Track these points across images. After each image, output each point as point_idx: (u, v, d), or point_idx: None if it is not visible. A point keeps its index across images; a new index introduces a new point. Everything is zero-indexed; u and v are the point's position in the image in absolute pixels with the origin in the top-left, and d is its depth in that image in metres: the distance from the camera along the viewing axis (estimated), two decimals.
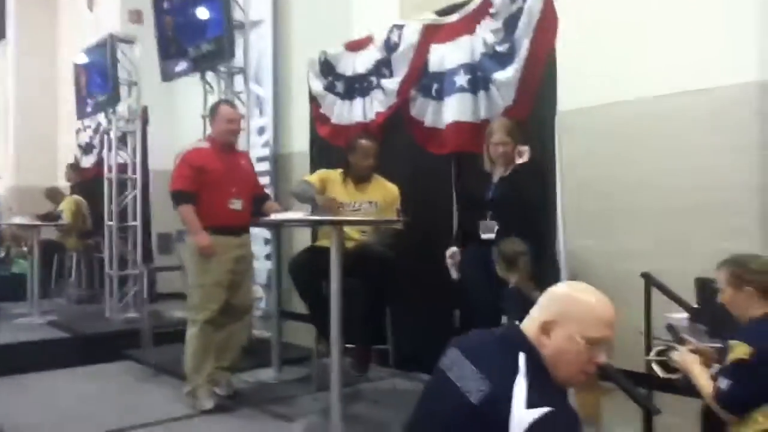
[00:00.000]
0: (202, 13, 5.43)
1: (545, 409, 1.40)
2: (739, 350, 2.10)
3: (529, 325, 1.61)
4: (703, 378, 2.24)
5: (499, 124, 3.61)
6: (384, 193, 4.12)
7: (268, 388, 4.43)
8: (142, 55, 7.01)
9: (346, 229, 3.93)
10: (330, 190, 4.06)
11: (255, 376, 4.63)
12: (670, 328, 2.60)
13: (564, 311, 1.57)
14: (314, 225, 4.07)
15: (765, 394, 2.07)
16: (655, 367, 2.57)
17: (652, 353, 2.60)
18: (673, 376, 2.48)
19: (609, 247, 4.36)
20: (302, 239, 6.08)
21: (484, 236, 3.56)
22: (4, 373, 3.87)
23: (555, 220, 3.47)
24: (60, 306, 7.56)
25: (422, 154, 4.27)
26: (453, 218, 4.09)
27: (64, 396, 4.38)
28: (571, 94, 3.71)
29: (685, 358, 2.36)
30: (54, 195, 8.16)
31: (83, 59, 7.71)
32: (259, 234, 6.51)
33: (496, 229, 3.54)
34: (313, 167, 5.17)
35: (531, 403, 1.42)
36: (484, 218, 3.60)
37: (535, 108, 3.64)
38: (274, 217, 3.95)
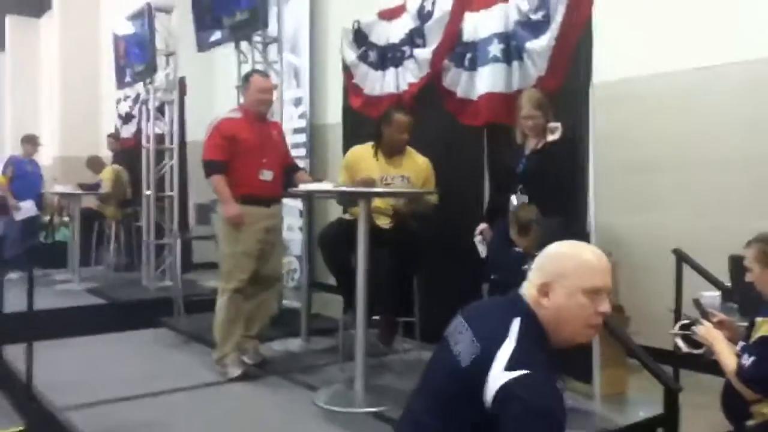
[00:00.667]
0: None
1: (520, 372, 1.40)
2: (765, 328, 2.08)
3: (529, 289, 1.60)
4: (726, 353, 2.21)
5: (527, 97, 3.52)
6: (416, 168, 4.07)
7: (296, 357, 4.46)
8: (179, 25, 7.05)
9: (378, 202, 3.91)
10: (361, 168, 4.02)
11: (283, 345, 4.66)
12: (697, 302, 2.56)
13: (559, 270, 1.57)
14: (343, 197, 4.04)
15: None
16: (679, 341, 2.52)
17: (676, 327, 2.54)
18: (696, 351, 2.44)
19: (642, 223, 4.27)
20: (335, 212, 6.08)
21: (513, 209, 3.50)
22: (43, 337, 3.97)
23: (586, 195, 3.38)
24: (99, 273, 7.77)
25: (454, 126, 4.20)
26: (484, 191, 4.04)
27: (98, 360, 4.49)
28: (608, 65, 3.60)
29: (710, 332, 2.32)
30: (95, 164, 8.32)
31: (122, 29, 7.79)
32: (294, 206, 6.55)
33: (526, 202, 3.47)
34: (346, 139, 5.15)
35: (509, 366, 1.42)
36: (514, 192, 3.53)
37: (568, 79, 3.52)
38: (302, 187, 3.94)
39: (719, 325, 2.37)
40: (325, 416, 3.35)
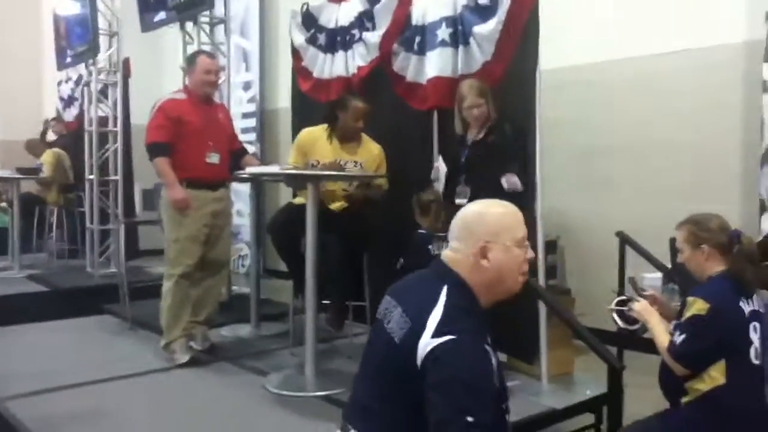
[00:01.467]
0: None
1: (447, 337, 1.43)
2: (695, 306, 2.13)
3: (457, 257, 1.63)
4: (659, 330, 2.27)
5: (469, 86, 3.53)
6: (370, 155, 4.04)
7: (245, 342, 4.42)
8: (123, 5, 6.85)
9: (330, 185, 3.89)
10: (315, 151, 3.96)
11: (233, 331, 4.62)
12: (632, 281, 2.64)
13: (490, 230, 1.61)
14: (291, 180, 4.00)
15: (718, 350, 2.11)
16: (615, 317, 2.60)
17: (613, 303, 2.62)
18: (632, 327, 2.52)
19: (588, 208, 4.37)
20: (285, 197, 6.04)
21: (457, 201, 3.52)
22: None
23: (534, 182, 3.42)
24: (41, 261, 7.55)
25: (404, 110, 4.20)
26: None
27: (42, 349, 4.37)
28: (555, 52, 3.65)
29: (646, 309, 2.38)
30: (34, 147, 8.02)
31: (63, 9, 7.53)
32: (245, 191, 6.47)
33: (468, 194, 3.50)
34: (295, 123, 5.10)
35: (436, 333, 1.45)
36: (458, 183, 3.56)
37: (515, 64, 3.55)
38: (249, 170, 3.89)
39: (652, 302, 2.43)
40: (275, 401, 3.33)
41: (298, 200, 4.01)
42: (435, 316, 1.48)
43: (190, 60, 4.12)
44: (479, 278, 1.60)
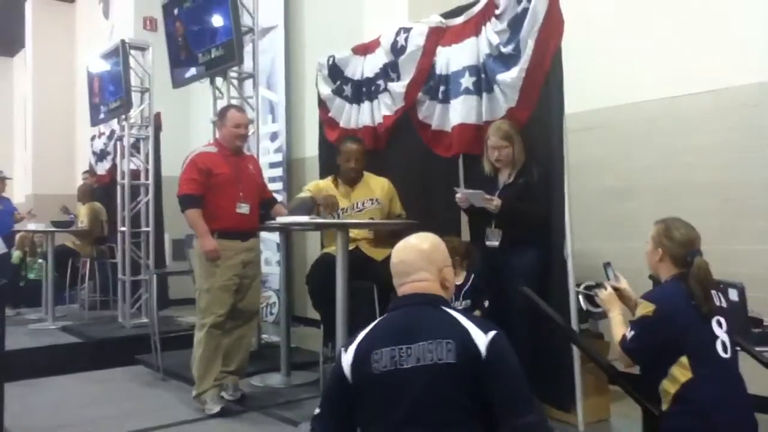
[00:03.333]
0: (212, 19, 5.46)
1: (494, 331, 1.72)
2: (644, 307, 2.29)
3: (426, 284, 1.85)
4: (617, 322, 2.45)
5: (495, 129, 3.60)
6: (380, 188, 4.19)
7: (276, 392, 4.42)
8: (155, 62, 7.08)
9: (354, 231, 3.93)
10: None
11: (263, 380, 4.62)
12: (605, 266, 2.68)
13: (443, 257, 1.93)
14: (319, 228, 4.06)
15: (670, 349, 2.24)
16: (581, 299, 2.76)
17: (582, 286, 2.75)
18: (595, 310, 2.71)
19: (618, 249, 4.31)
20: (314, 245, 6.09)
21: (488, 243, 3.55)
22: (17, 378, 3.90)
23: (563, 225, 3.43)
24: (73, 312, 7.64)
25: (431, 158, 4.25)
26: (461, 224, 4.08)
27: (74, 399, 4.40)
28: (577, 96, 3.68)
29: (610, 298, 2.55)
30: (83, 196, 8.15)
31: (97, 67, 7.80)
32: (272, 240, 6.54)
33: (500, 237, 3.51)
34: (323, 172, 5.18)
35: (483, 329, 1.72)
36: (489, 225, 3.58)
37: (539, 110, 3.60)
38: (279, 220, 3.94)
39: (619, 292, 2.57)
40: None
41: (333, 248, 4.04)
42: (467, 323, 1.74)
43: (221, 114, 4.23)
44: (446, 296, 1.89)
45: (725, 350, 2.25)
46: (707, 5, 3.97)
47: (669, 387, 2.23)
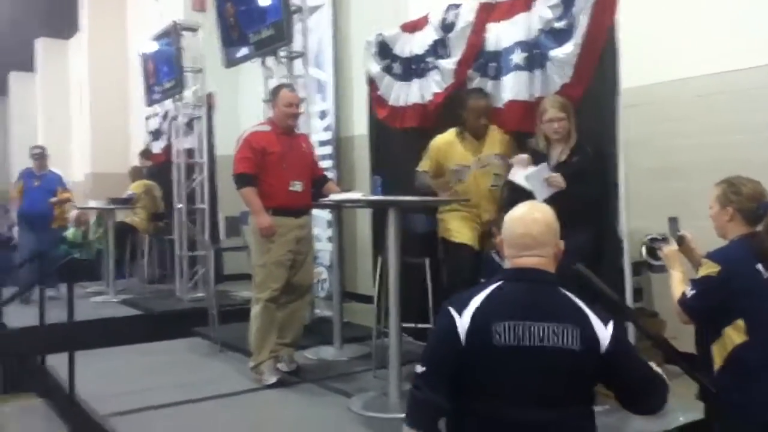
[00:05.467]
0: None
1: (611, 323, 1.75)
2: (708, 267, 2.27)
3: (542, 261, 1.83)
4: (677, 280, 2.43)
5: (552, 101, 3.56)
6: (504, 143, 4.00)
7: (329, 364, 4.53)
8: (206, 43, 7.20)
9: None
10: (451, 156, 3.99)
11: (317, 353, 4.74)
12: (672, 220, 2.65)
13: (558, 232, 1.89)
14: (370, 205, 4.11)
15: (728, 310, 2.23)
16: (644, 250, 2.74)
17: (647, 237, 2.72)
18: (655, 263, 2.68)
19: (664, 228, 4.26)
20: (363, 221, 6.17)
21: None
22: (80, 348, 4.10)
23: (617, 203, 3.41)
24: (133, 285, 7.92)
25: None
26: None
27: (136, 369, 4.61)
28: (632, 71, 3.62)
29: (672, 255, 2.53)
30: (135, 174, 8.41)
31: (149, 48, 7.97)
32: (322, 216, 6.64)
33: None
34: (373, 150, 5.24)
35: (603, 321, 1.75)
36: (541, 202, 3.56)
37: (593, 86, 3.56)
38: (332, 197, 4.02)
39: (686, 249, 2.56)
40: (360, 422, 3.42)
41: (458, 236, 3.97)
42: (587, 310, 1.76)
43: (273, 94, 4.31)
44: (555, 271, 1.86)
45: None
46: None
47: (722, 348, 2.25)
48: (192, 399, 3.83)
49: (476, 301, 1.78)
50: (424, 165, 4.15)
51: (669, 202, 4.19)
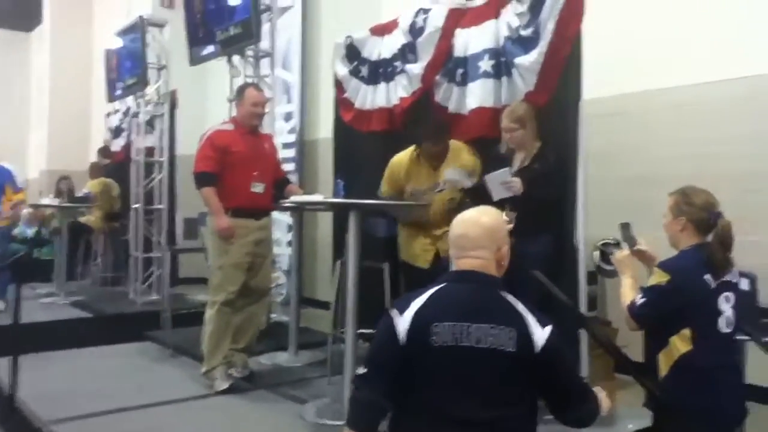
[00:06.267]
0: None
1: (550, 327, 1.75)
2: (658, 276, 2.29)
3: (484, 263, 1.84)
4: (628, 286, 2.44)
5: (508, 111, 3.56)
6: (463, 163, 3.80)
7: (284, 370, 4.44)
8: (172, 39, 7.07)
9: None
10: (409, 178, 3.90)
11: (271, 358, 4.64)
12: (624, 226, 2.64)
13: (503, 234, 1.90)
14: (332, 208, 4.03)
15: (674, 319, 2.26)
16: (596, 255, 2.73)
17: (600, 242, 2.72)
18: (607, 268, 2.67)
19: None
20: (325, 226, 6.09)
21: None
22: (28, 351, 3.95)
23: (575, 212, 3.40)
24: (84, 287, 7.70)
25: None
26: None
27: (85, 373, 4.44)
28: (596, 81, 3.62)
29: (624, 261, 2.53)
30: (95, 172, 8.18)
31: (114, 43, 7.80)
32: (282, 220, 6.54)
33: (514, 220, 3.47)
34: (337, 153, 5.17)
35: (541, 322, 1.76)
36: (502, 209, 3.53)
37: (558, 94, 3.55)
38: (294, 199, 3.94)
39: (639, 254, 2.56)
40: (313, 429, 3.35)
41: (406, 256, 4.01)
42: (525, 312, 1.76)
43: (239, 92, 4.21)
44: (499, 275, 1.87)
45: (728, 325, 2.28)
46: None
47: (668, 356, 2.27)
48: (140, 405, 3.70)
49: (418, 302, 1.80)
50: (383, 189, 4.06)
51: (632, 211, 4.19)
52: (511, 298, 1.81)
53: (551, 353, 1.74)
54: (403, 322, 1.77)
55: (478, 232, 1.86)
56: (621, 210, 4.16)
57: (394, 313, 1.80)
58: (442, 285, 1.85)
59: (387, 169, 4.03)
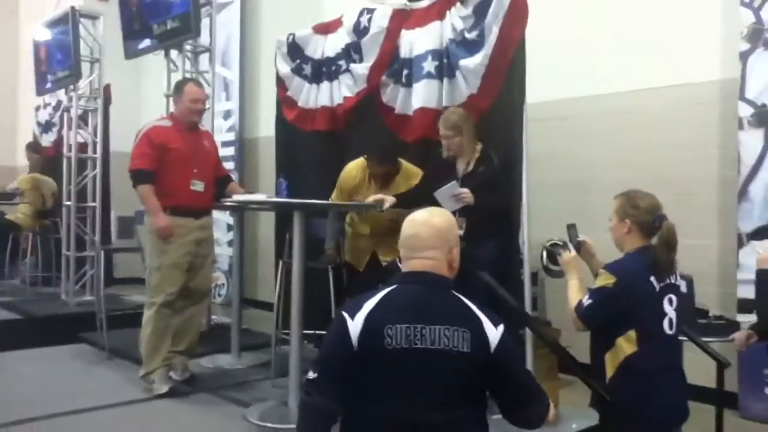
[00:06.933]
0: None
1: (501, 327, 1.75)
2: (604, 278, 2.32)
3: (436, 264, 1.82)
4: (574, 288, 2.48)
5: (443, 118, 3.56)
6: (409, 188, 3.83)
7: (226, 373, 4.36)
8: (105, 32, 6.84)
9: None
10: (355, 193, 3.91)
11: (213, 361, 4.55)
12: (570, 227, 2.69)
13: (454, 236, 1.89)
14: (276, 207, 3.99)
15: (620, 321, 2.29)
16: (544, 254, 2.75)
17: (548, 242, 2.74)
18: (554, 268, 2.71)
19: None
20: (266, 226, 6.02)
21: None
22: None
23: (519, 215, 3.46)
24: (13, 287, 7.38)
25: (394, 141, 4.14)
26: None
27: (16, 377, 4.26)
28: (539, 86, 3.70)
29: (571, 262, 2.57)
30: (34, 166, 7.84)
31: (44, 35, 7.49)
32: (222, 220, 6.44)
33: (464, 226, 3.50)
34: (279, 151, 5.11)
35: (493, 323, 1.75)
36: (453, 214, 3.55)
37: (502, 98, 3.61)
38: (237, 198, 3.87)
39: (586, 255, 2.61)
40: None
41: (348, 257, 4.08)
42: (479, 312, 1.76)
43: (178, 88, 4.10)
44: (450, 276, 1.86)
45: (671, 327, 2.34)
46: (655, 4, 4.04)
47: (614, 357, 2.31)
48: (76, 410, 3.58)
49: (369, 305, 1.77)
50: (334, 195, 4.03)
51: (571, 214, 4.30)
52: (463, 298, 1.80)
53: (504, 353, 1.74)
54: (354, 325, 1.73)
55: (430, 233, 1.84)
56: (559, 213, 4.27)
57: (346, 316, 1.76)
58: (393, 287, 1.82)
59: (339, 179, 4.01)
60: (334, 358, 1.78)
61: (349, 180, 3.96)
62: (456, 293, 1.81)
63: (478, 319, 1.75)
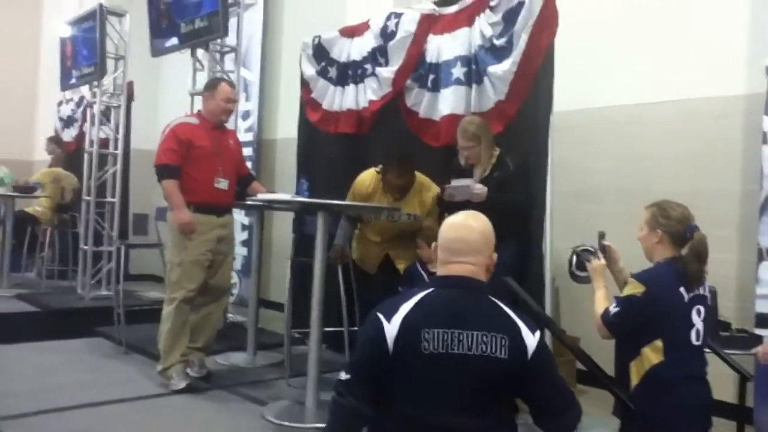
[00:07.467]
0: None
1: (538, 333, 1.75)
2: (634, 287, 2.31)
3: (474, 269, 1.82)
4: (600, 296, 2.46)
5: (461, 129, 3.56)
6: (423, 200, 3.96)
7: (242, 371, 4.37)
8: (131, 29, 6.90)
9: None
10: (368, 201, 3.96)
11: (229, 359, 4.56)
12: (601, 235, 2.67)
13: (493, 242, 1.88)
14: (302, 207, 4.01)
15: (647, 330, 2.29)
16: (573, 258, 2.69)
17: (579, 247, 2.69)
18: (581, 274, 2.65)
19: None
20: (281, 226, 6.03)
21: None
22: None
23: (543, 220, 3.46)
24: (29, 280, 7.42)
25: (417, 144, 4.20)
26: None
27: (31, 368, 4.26)
28: (566, 94, 3.69)
29: (599, 270, 2.55)
30: (56, 161, 7.90)
31: (70, 30, 7.56)
32: (236, 219, 6.43)
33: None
34: (300, 152, 5.13)
35: (530, 329, 1.75)
36: None
37: (528, 105, 3.61)
38: (261, 196, 3.89)
39: (611, 262, 2.59)
40: (275, 431, 3.29)
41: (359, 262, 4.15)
42: (516, 318, 1.75)
43: (211, 86, 4.09)
44: (486, 281, 1.85)
45: (698, 338, 2.33)
46: (680, 18, 4.02)
47: (640, 366, 2.31)
48: (92, 402, 3.58)
49: (406, 308, 1.75)
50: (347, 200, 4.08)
51: (582, 223, 4.30)
52: (502, 304, 1.78)
53: (541, 360, 1.74)
54: (390, 328, 1.72)
55: (476, 238, 1.84)
56: (570, 221, 4.26)
57: (381, 318, 1.75)
58: (430, 290, 1.81)
59: (352, 186, 4.06)
60: (368, 360, 1.77)
61: (362, 189, 4.00)
62: (493, 299, 1.80)
63: (516, 325, 1.74)
